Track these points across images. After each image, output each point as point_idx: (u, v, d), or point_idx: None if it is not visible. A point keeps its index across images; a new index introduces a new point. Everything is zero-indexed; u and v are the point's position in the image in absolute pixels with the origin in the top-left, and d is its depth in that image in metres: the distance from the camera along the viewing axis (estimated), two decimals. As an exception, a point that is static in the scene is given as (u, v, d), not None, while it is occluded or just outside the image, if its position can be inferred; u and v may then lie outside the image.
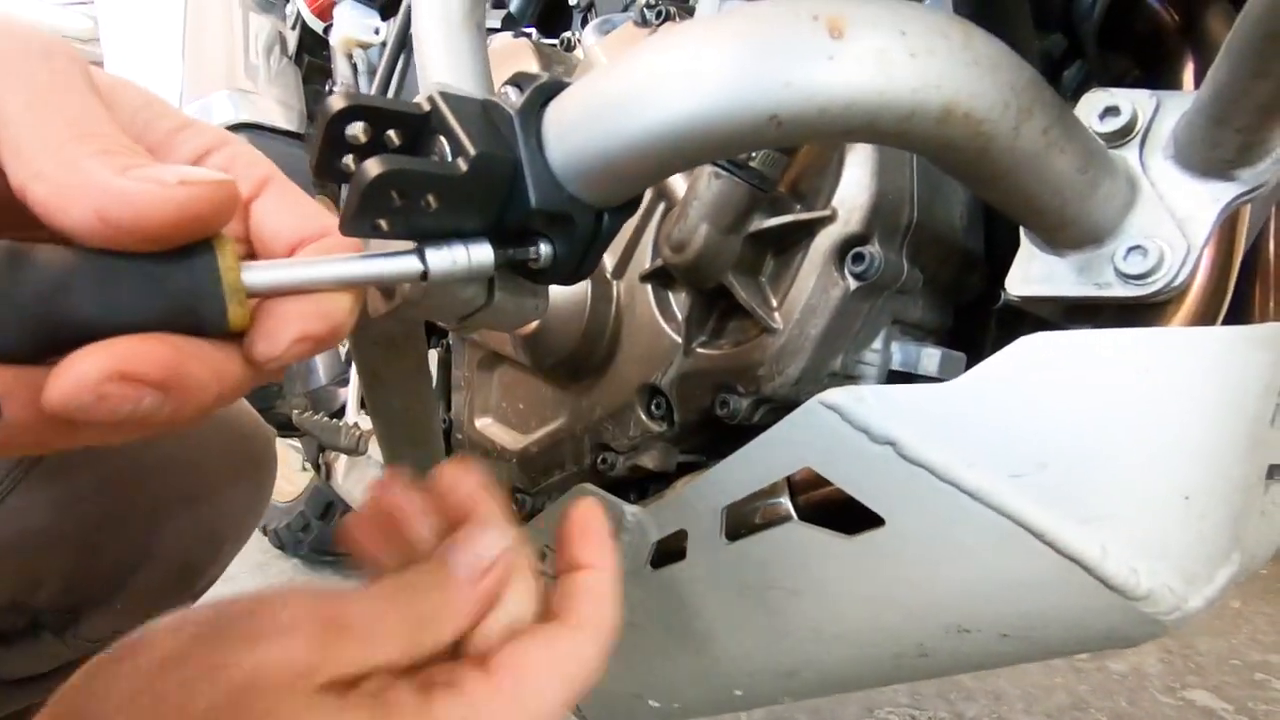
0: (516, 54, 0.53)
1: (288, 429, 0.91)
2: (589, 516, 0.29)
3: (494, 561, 0.26)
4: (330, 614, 0.24)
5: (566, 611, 0.26)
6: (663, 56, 0.23)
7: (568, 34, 0.62)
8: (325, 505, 1.44)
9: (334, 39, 1.13)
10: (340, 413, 0.85)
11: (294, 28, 1.30)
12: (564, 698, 0.25)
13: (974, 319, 0.48)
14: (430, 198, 0.24)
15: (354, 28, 1.08)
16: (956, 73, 0.23)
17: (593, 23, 0.55)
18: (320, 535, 1.46)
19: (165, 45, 1.34)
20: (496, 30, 0.68)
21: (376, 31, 1.09)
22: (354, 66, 1.14)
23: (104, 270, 0.20)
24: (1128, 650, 1.31)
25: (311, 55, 1.36)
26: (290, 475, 1.48)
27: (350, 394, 0.80)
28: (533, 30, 0.68)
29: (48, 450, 0.23)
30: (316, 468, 0.92)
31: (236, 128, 1.17)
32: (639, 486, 0.50)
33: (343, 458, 0.89)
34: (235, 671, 0.22)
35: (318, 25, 1.21)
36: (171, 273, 0.21)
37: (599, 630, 0.26)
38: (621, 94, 0.24)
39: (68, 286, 0.19)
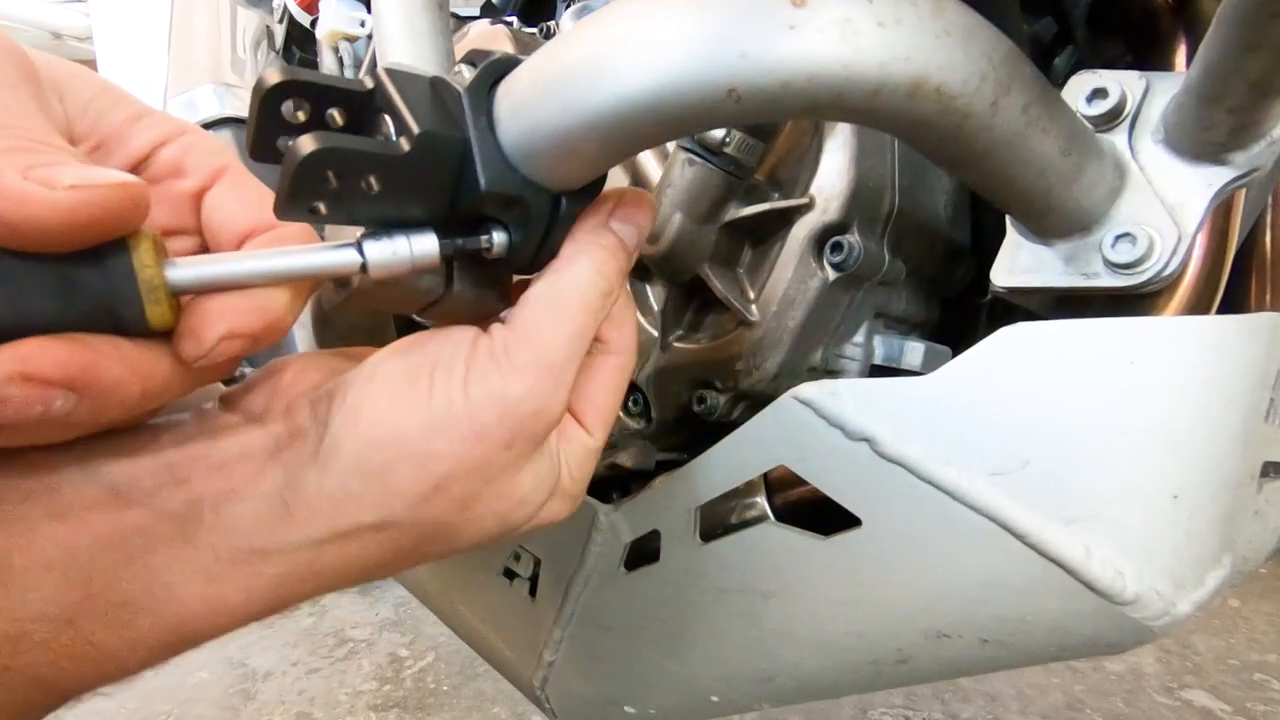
0: (493, 41, 0.51)
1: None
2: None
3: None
4: None
5: (605, 337, 0.29)
6: (614, 27, 0.22)
7: (549, 22, 0.61)
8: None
9: (320, 32, 1.12)
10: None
11: (281, 22, 1.29)
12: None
13: (964, 312, 0.47)
14: (371, 179, 0.23)
15: (340, 20, 1.07)
16: (927, 43, 0.21)
17: (571, 8, 0.53)
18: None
19: (155, 41, 1.33)
20: (475, 18, 0.67)
21: (362, 24, 1.07)
22: (340, 60, 1.13)
23: (12, 271, 0.19)
24: (1125, 650, 1.29)
25: (300, 49, 1.35)
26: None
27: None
28: (513, 19, 0.67)
29: None
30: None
31: (221, 122, 1.16)
32: (620, 485, 0.49)
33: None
34: None
35: (305, 19, 1.20)
36: (84, 273, 0.20)
37: (630, 359, 0.30)
38: (572, 67, 0.22)
39: None
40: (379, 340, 0.46)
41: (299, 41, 1.34)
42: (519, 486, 0.26)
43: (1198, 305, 0.33)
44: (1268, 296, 0.47)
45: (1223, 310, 0.33)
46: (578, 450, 0.29)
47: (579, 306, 0.26)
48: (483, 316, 0.33)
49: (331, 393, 0.25)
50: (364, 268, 0.25)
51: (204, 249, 0.26)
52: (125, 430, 0.24)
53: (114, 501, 0.22)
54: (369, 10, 1.13)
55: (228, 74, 1.23)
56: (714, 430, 0.40)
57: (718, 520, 0.37)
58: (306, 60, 1.38)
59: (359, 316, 0.43)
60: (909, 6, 0.21)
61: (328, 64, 1.16)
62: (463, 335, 0.26)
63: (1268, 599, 1.46)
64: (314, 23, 1.18)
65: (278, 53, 1.29)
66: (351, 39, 1.08)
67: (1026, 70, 0.25)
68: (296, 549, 0.24)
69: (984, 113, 0.24)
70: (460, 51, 0.43)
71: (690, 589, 0.36)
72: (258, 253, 0.23)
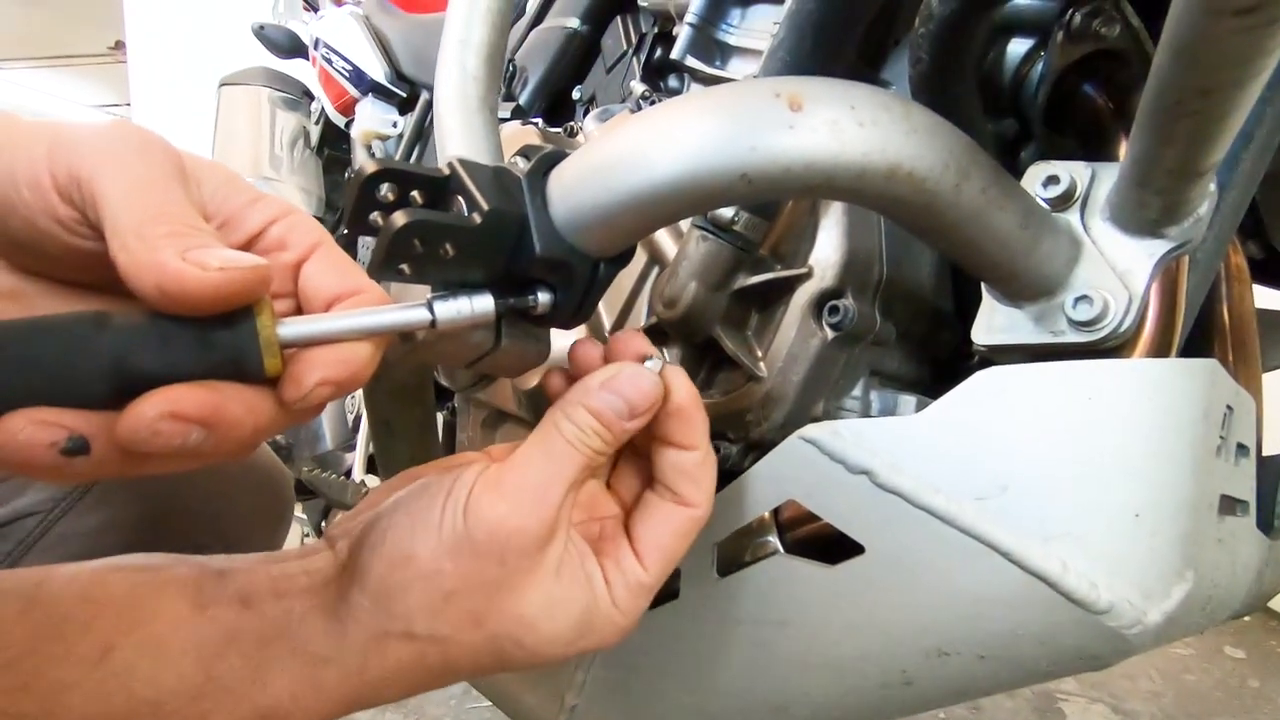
0: (525, 138, 0.58)
1: (296, 490, 0.93)
2: (687, 396, 0.33)
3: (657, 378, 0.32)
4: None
5: (682, 492, 0.32)
6: (651, 126, 0.27)
7: (571, 123, 0.69)
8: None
9: (355, 132, 1.22)
10: (346, 476, 0.87)
11: (317, 123, 1.41)
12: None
13: (953, 375, 0.52)
14: (448, 246, 0.28)
15: (374, 122, 1.17)
16: (898, 139, 0.27)
17: (593, 112, 0.61)
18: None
19: (193, 145, 1.45)
20: (506, 120, 0.75)
21: (395, 125, 1.18)
22: (372, 156, 1.23)
23: (165, 331, 0.24)
24: (1146, 732, 1.26)
25: (331, 149, 1.46)
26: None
27: (357, 456, 0.83)
28: (539, 120, 0.75)
29: (126, 476, 0.27)
30: (319, 534, 0.93)
31: (259, 211, 1.25)
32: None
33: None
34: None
35: (340, 120, 1.31)
36: (218, 333, 0.25)
37: (705, 512, 0.33)
38: (616, 157, 0.28)
39: (137, 345, 0.24)
40: (420, 398, 0.51)
41: (331, 141, 1.45)
42: (526, 606, 0.29)
43: (1155, 356, 0.38)
44: (1230, 359, 0.52)
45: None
46: (629, 581, 0.32)
47: (563, 440, 0.30)
48: (525, 368, 0.37)
49: (371, 522, 0.31)
50: (433, 323, 0.29)
51: (298, 310, 0.31)
52: (249, 556, 0.31)
53: (237, 604, 0.29)
54: (401, 113, 1.23)
55: (266, 169, 1.34)
56: (727, 478, 0.44)
57: (733, 559, 0.41)
58: (335, 157, 1.50)
59: (407, 375, 0.48)
60: (883, 110, 0.27)
61: (360, 159, 1.26)
62: (472, 471, 0.31)
63: (1289, 679, 1.42)
64: (348, 124, 1.29)
65: (313, 150, 1.40)
66: (383, 138, 1.19)
67: (982, 159, 0.30)
68: (347, 656, 0.29)
69: (949, 193, 0.29)
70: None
71: (708, 622, 0.39)
72: (348, 312, 0.28)
